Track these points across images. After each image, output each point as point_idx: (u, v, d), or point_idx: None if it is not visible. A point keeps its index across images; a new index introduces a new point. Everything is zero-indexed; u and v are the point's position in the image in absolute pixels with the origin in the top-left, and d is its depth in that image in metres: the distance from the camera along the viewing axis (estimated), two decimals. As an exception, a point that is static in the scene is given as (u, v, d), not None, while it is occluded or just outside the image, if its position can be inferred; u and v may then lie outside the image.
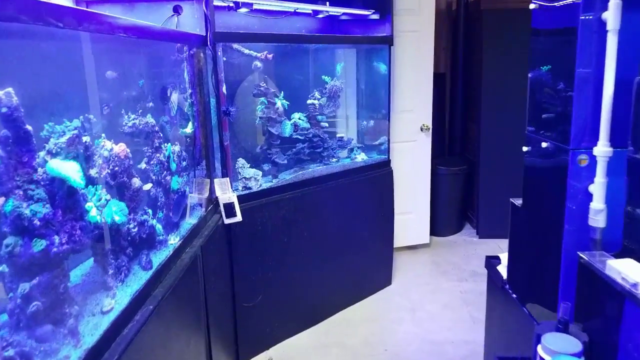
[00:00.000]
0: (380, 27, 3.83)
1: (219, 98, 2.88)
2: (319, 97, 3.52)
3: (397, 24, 3.89)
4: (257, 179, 3.18)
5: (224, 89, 3.01)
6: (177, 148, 2.43)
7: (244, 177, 3.14)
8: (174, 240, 2.19)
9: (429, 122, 4.65)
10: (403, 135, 4.54)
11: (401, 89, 4.40)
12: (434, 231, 5.17)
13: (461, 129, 5.60)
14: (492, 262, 2.43)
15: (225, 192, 2.81)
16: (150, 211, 2.05)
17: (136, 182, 1.91)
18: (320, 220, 3.44)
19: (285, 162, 3.31)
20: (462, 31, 5.34)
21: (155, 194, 2.14)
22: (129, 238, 1.87)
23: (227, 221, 2.82)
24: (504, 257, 2.36)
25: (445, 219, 5.28)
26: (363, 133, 4.06)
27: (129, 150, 1.88)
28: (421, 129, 4.63)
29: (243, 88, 3.37)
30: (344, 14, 3.64)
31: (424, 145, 4.69)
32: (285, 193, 3.24)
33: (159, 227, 2.09)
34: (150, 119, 2.10)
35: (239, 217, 2.81)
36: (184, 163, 2.53)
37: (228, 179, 2.85)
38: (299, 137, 3.37)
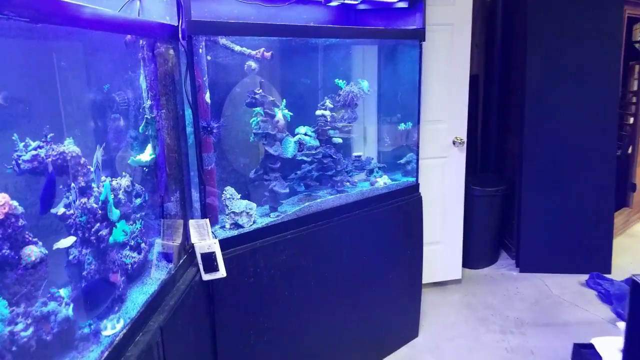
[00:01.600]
0: (409, 18, 3.07)
1: (196, 110, 2.13)
2: (331, 106, 2.76)
3: (427, 16, 3.12)
4: (249, 214, 2.43)
5: (207, 97, 2.27)
6: (124, 182, 1.69)
7: (233, 212, 2.39)
8: (110, 330, 1.44)
9: (463, 135, 3.87)
10: (432, 150, 3.77)
11: (430, 95, 3.63)
12: (465, 262, 4.38)
13: (497, 142, 4.80)
14: (583, 352, 1.64)
15: (204, 238, 2.06)
16: (64, 292, 1.31)
17: (31, 252, 1.17)
18: (331, 264, 2.68)
19: (287, 190, 2.56)
20: (500, 24, 4.55)
21: (77, 257, 1.41)
22: (15, 349, 1.12)
23: (205, 277, 2.07)
24: (606, 347, 1.57)
25: (478, 248, 4.48)
26: (384, 149, 3.29)
27: (16, 204, 1.14)
28: (454, 143, 3.85)
29: (234, 96, 2.63)
30: (362, 1, 2.88)
31: (457, 162, 3.91)
32: (287, 232, 2.49)
33: (71, 313, 1.35)
34: (69, 146, 1.36)
35: (221, 272, 2.06)
36: (138, 201, 1.79)
37: (207, 220, 2.10)
38: (305, 158, 2.61)
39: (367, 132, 3.27)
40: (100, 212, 1.48)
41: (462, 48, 3.74)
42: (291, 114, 2.69)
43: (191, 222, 2.08)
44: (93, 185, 1.48)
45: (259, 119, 2.60)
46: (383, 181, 2.99)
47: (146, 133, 1.77)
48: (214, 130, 2.18)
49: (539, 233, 4.33)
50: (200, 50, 2.27)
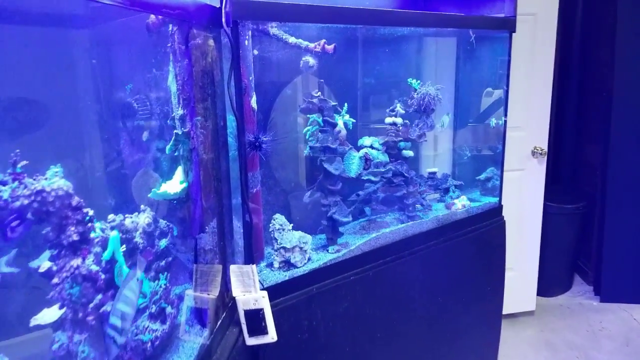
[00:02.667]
0: (491, 5, 2.49)
1: (242, 119, 1.62)
2: (402, 111, 2.22)
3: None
4: (303, 250, 1.92)
5: (253, 102, 1.77)
6: (144, 219, 1.20)
7: (283, 247, 1.88)
8: None
9: (543, 144, 3.28)
10: (507, 161, 3.17)
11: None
12: (538, 289, 3.78)
13: (573, 149, 4.18)
14: None
15: (249, 290, 1.56)
16: None
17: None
18: (401, 309, 2.16)
19: (350, 219, 2.03)
20: (581, 11, 3.92)
21: (65, 346, 0.92)
22: None
23: (250, 342, 1.57)
24: None
25: (552, 273, 3.88)
26: (460, 162, 2.73)
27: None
28: (533, 154, 3.27)
29: (284, 99, 2.12)
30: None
31: (536, 175, 3.32)
32: (350, 272, 1.97)
33: None
34: (53, 180, 0.87)
35: (271, 335, 1.56)
36: (163, 243, 1.30)
37: (253, 267, 1.59)
38: (373, 177, 2.08)
39: (438, 142, 2.72)
40: (103, 277, 0.98)
41: (545, 42, 3.15)
42: (353, 120, 2.17)
43: (232, 268, 1.58)
44: (93, 235, 0.98)
45: (314, 128, 2.08)
46: (461, 203, 2.44)
47: (175, 154, 1.26)
48: (263, 145, 1.67)
49: (626, 257, 3.71)
50: (247, 42, 1.76)
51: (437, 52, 2.62)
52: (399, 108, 2.25)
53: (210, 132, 1.46)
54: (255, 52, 1.97)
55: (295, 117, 2.15)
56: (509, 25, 2.41)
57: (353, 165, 2.08)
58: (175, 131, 1.25)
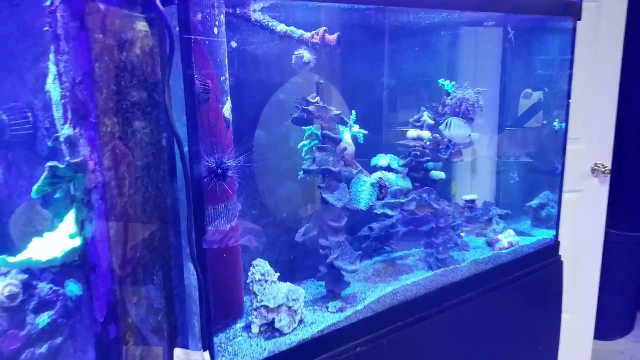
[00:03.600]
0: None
1: (194, 135, 1.12)
2: (432, 122, 1.69)
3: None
4: (293, 309, 1.42)
5: (226, 111, 1.31)
6: (4, 289, 0.70)
7: (266, 307, 1.39)
8: None
9: (607, 161, 2.69)
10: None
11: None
12: (594, 331, 3.16)
13: (637, 165, 3.55)
14: None
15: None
16: None
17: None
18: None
19: (358, 267, 1.51)
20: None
21: None
22: None
23: None
24: None
25: (612, 312, 3.26)
26: (504, 184, 2.18)
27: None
28: (593, 172, 2.67)
29: (275, 106, 1.62)
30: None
31: (597, 198, 2.73)
32: (357, 341, 1.46)
33: None
34: None
35: None
36: (42, 321, 0.81)
37: (206, 355, 1.09)
38: (390, 211, 1.55)
39: (477, 162, 2.17)
40: None
41: (612, 35, 2.56)
42: (365, 132, 1.65)
43: (177, 354, 1.08)
44: None
45: (313, 144, 1.58)
46: (508, 240, 1.89)
47: (57, 195, 0.77)
48: (229, 173, 1.17)
49: None
50: (216, 31, 1.28)
51: (476, 45, 2.07)
52: (427, 118, 1.72)
53: (140, 157, 0.97)
54: (234, 44, 1.49)
55: (290, 129, 1.65)
56: (573, 10, 1.85)
57: (363, 194, 1.56)
58: (49, 164, 0.76)
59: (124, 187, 0.91)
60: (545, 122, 2.19)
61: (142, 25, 0.99)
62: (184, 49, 1.09)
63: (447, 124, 1.68)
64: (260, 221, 1.64)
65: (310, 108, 1.46)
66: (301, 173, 1.50)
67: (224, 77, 1.35)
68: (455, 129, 1.68)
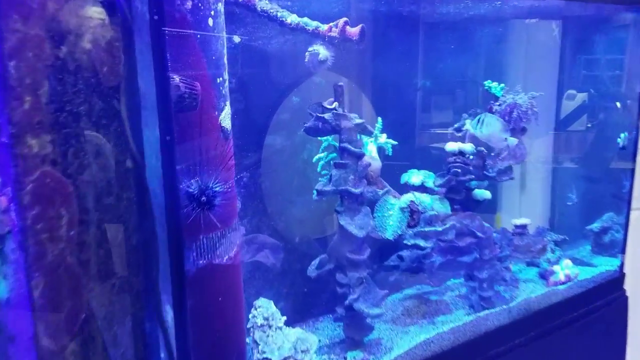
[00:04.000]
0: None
1: (169, 156, 0.87)
2: (479, 132, 1.40)
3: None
4: (302, 362, 1.16)
5: (223, 119, 1.07)
6: None
7: (267, 359, 1.13)
8: None
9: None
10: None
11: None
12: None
13: None
14: None
15: None
16: None
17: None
18: None
19: (383, 310, 1.24)
20: None
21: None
22: None
23: None
24: None
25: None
26: (564, 205, 1.86)
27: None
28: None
29: (286, 112, 1.37)
30: None
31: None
32: (380, 402, 1.19)
33: None
34: None
35: None
36: None
37: None
38: (423, 243, 1.27)
39: (526, 174, 1.85)
40: None
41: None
42: (394, 143, 1.38)
43: None
44: None
45: (331, 157, 1.32)
46: (564, 272, 1.58)
47: None
48: (216, 202, 0.92)
49: None
50: (211, 22, 1.05)
51: (528, 41, 1.76)
52: (469, 126, 1.43)
53: (88, 186, 0.73)
54: (237, 39, 1.24)
55: (305, 139, 1.39)
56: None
57: (390, 219, 1.29)
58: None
59: (59, 228, 0.67)
60: (607, 131, 1.87)
61: (94, 12, 0.75)
62: (156, 42, 0.84)
63: (478, 121, 1.37)
64: (267, 247, 1.39)
65: (326, 116, 1.19)
66: (315, 194, 1.23)
67: (221, 79, 1.11)
68: (489, 128, 1.36)
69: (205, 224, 0.95)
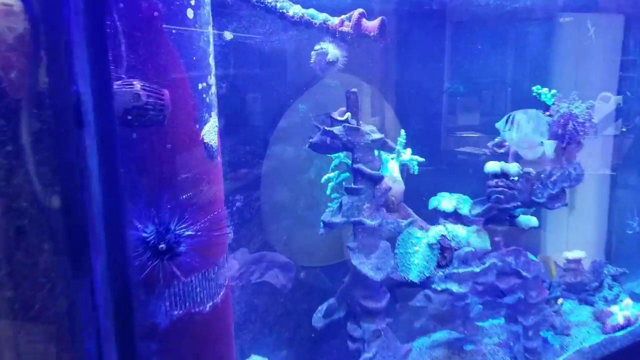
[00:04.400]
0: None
1: (109, 187, 0.64)
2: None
3: None
4: None
5: (205, 133, 0.84)
6: None
7: None
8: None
9: None
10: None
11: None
12: None
13: None
14: None
15: None
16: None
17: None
18: None
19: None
20: None
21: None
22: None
23: None
24: None
25: None
26: (622, 233, 1.58)
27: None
28: None
29: (289, 122, 1.14)
30: None
31: None
32: None
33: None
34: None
35: None
36: None
37: None
38: (455, 287, 1.02)
39: (575, 192, 1.57)
40: None
41: None
42: (421, 160, 1.14)
43: None
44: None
45: (341, 177, 1.08)
46: (624, 314, 1.31)
47: None
48: (180, 248, 0.69)
49: None
50: (191, 13, 0.83)
51: (578, 38, 1.48)
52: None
53: None
54: (229, 35, 1.03)
55: (310, 155, 1.16)
56: None
57: (416, 257, 1.04)
58: None
59: None
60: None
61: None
62: (93, 35, 0.62)
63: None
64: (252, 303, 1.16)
65: (336, 129, 0.96)
66: (321, 227, 1.00)
67: (204, 84, 0.90)
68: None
69: (169, 274, 0.73)
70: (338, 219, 0.97)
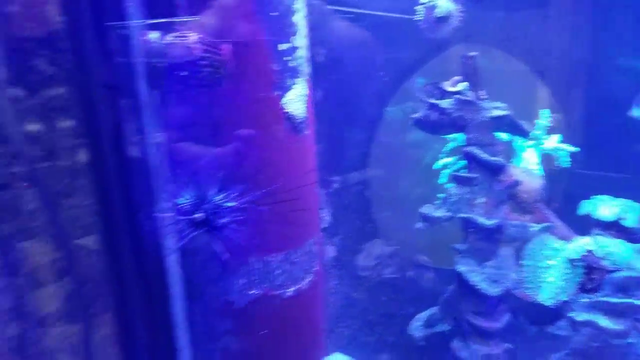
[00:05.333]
0: None
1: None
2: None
3: None
4: None
5: (287, 101, 0.76)
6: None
7: None
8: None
9: None
10: None
11: None
12: None
13: None
14: None
15: None
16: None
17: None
18: None
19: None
20: None
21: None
22: None
23: None
24: None
25: None
26: None
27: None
28: None
29: (403, 98, 0.97)
30: None
31: None
32: None
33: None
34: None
35: None
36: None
37: None
38: (604, 322, 0.74)
39: None
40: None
41: None
42: (573, 150, 0.87)
43: None
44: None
45: (458, 164, 0.88)
46: None
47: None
48: (226, 220, 0.59)
49: None
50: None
51: None
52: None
53: None
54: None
55: (426, 138, 0.97)
56: None
57: (549, 273, 0.79)
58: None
59: None
60: None
61: None
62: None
63: None
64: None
65: (444, 103, 0.76)
66: (420, 222, 0.81)
67: (288, 45, 0.78)
68: None
69: (240, 249, 0.63)
70: (441, 212, 0.78)
